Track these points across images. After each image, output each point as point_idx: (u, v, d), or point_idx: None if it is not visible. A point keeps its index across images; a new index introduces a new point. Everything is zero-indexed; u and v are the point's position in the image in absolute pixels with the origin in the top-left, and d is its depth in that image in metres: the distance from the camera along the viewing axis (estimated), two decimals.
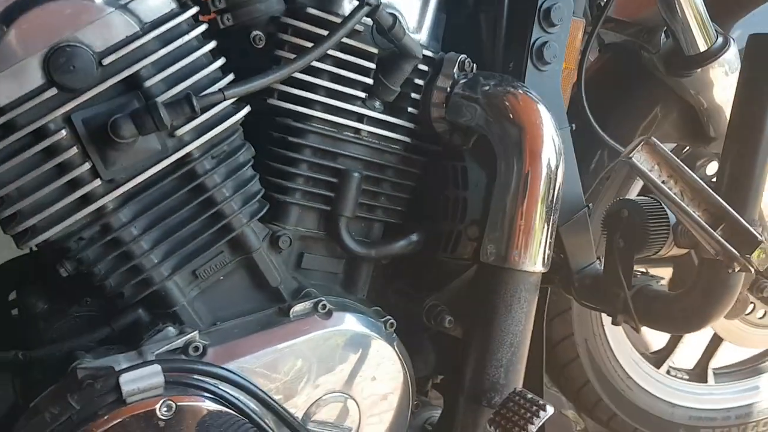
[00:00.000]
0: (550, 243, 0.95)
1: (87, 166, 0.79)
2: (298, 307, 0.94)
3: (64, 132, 0.78)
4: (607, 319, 1.47)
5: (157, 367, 0.78)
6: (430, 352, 1.13)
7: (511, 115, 0.94)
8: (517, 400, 0.85)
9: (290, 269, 1.00)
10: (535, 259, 0.94)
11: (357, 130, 0.98)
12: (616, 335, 1.53)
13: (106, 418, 0.76)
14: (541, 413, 0.82)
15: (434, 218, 1.08)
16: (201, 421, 0.76)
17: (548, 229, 0.95)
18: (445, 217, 1.07)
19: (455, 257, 1.06)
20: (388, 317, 1.01)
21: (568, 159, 1.00)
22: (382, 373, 0.98)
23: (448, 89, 0.98)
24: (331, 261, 1.04)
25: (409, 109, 1.01)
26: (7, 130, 0.77)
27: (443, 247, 1.07)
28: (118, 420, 0.76)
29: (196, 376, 0.81)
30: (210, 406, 0.81)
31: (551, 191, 0.94)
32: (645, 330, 1.74)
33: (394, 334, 1.01)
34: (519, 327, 0.96)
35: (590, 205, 1.09)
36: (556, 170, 0.94)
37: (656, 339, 1.73)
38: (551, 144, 0.94)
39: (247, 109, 0.89)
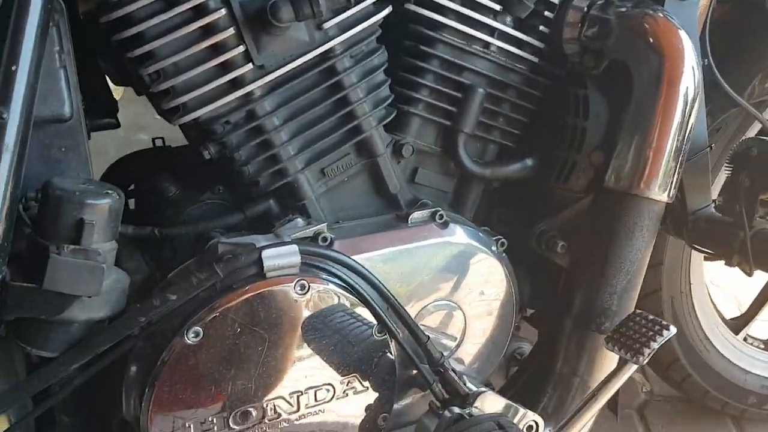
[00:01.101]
0: (677, 175, 0.95)
1: (241, 49, 0.82)
2: (417, 215, 0.96)
3: (223, 11, 0.80)
4: (695, 279, 1.46)
5: (294, 247, 0.81)
6: (526, 284, 1.13)
7: (651, 40, 0.92)
8: (637, 320, 0.85)
9: (404, 182, 1.01)
10: (662, 189, 0.93)
11: (486, 45, 0.98)
12: (700, 297, 1.51)
13: (246, 288, 0.79)
14: (665, 332, 0.82)
15: (550, 145, 1.08)
16: None
17: (678, 160, 0.94)
18: (562, 145, 1.07)
19: (567, 188, 1.06)
20: (499, 236, 1.02)
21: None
22: (490, 289, 1.00)
23: (585, 8, 0.97)
24: (443, 179, 1.05)
25: (541, 28, 1.00)
26: (170, 4, 0.79)
27: (556, 175, 1.07)
28: (257, 293, 0.79)
29: (327, 262, 0.84)
30: (338, 291, 0.84)
31: (685, 123, 0.93)
32: (720, 299, 1.72)
33: (504, 254, 1.02)
34: (638, 255, 0.96)
35: (713, 145, 1.07)
36: (693, 102, 0.93)
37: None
38: (691, 74, 0.92)
39: (388, 9, 0.90)
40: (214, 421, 0.80)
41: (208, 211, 0.94)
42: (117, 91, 1.07)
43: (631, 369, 0.84)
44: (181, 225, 0.91)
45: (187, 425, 0.78)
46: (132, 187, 1.07)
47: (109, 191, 0.76)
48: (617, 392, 1.18)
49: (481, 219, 1.09)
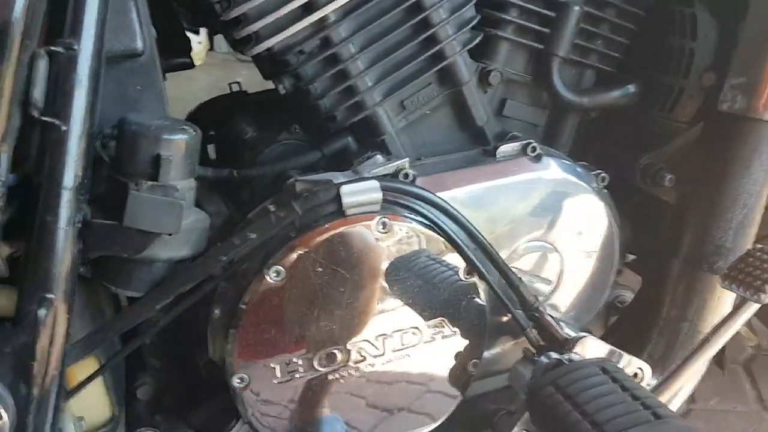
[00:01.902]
0: None
1: None
2: (505, 148, 0.89)
3: None
4: None
5: (375, 183, 0.76)
6: (629, 225, 1.04)
7: None
8: (758, 255, 0.76)
9: (491, 115, 0.94)
10: None
11: None
12: None
13: (326, 227, 0.75)
14: None
15: (653, 70, 0.97)
16: None
17: None
18: (667, 69, 0.96)
19: (673, 118, 0.96)
20: (600, 171, 0.93)
21: None
22: (590, 228, 0.92)
23: None
24: (534, 111, 0.97)
25: None
26: None
27: (661, 103, 0.97)
28: (337, 231, 0.75)
29: (410, 199, 0.78)
30: (423, 230, 0.79)
31: None
32: None
33: (605, 190, 0.93)
34: (755, 186, 0.85)
35: None
36: None
37: None
38: None
39: None
40: (299, 362, 0.77)
41: (285, 151, 0.91)
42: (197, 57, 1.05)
43: (752, 309, 0.75)
44: (259, 166, 0.89)
45: (272, 366, 0.76)
46: (212, 133, 1.06)
47: (186, 127, 0.73)
48: (724, 346, 1.08)
49: (577, 155, 1.01)
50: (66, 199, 0.67)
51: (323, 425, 0.81)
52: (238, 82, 1.13)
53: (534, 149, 0.88)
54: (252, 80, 1.13)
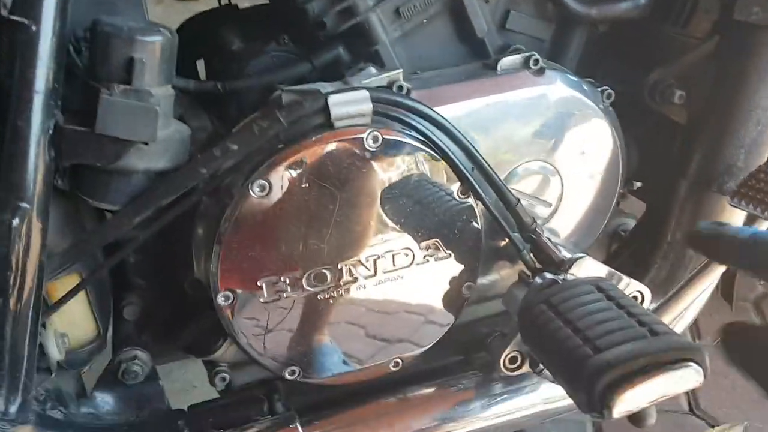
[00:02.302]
0: None
1: None
2: (507, 60, 0.83)
3: None
4: None
5: (365, 93, 0.72)
6: (635, 148, 1.00)
7: None
8: None
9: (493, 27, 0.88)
10: None
11: None
12: None
13: (312, 140, 0.71)
14: None
15: None
16: None
17: None
18: None
19: (686, 33, 0.90)
20: (605, 87, 0.88)
21: None
22: (593, 147, 0.87)
23: None
24: (539, 23, 0.92)
25: None
26: None
27: (674, 17, 0.90)
28: (324, 144, 0.71)
29: (403, 112, 0.74)
30: (417, 146, 0.75)
31: None
32: None
33: (611, 108, 0.89)
34: None
35: None
36: None
37: None
38: None
39: None
40: (287, 281, 0.75)
41: (274, 63, 0.86)
42: None
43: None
44: (245, 78, 0.84)
45: (258, 285, 0.74)
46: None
47: (161, 29, 0.69)
48: (734, 280, 1.05)
49: (583, 72, 0.95)
50: (37, 103, 0.63)
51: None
52: None
53: (536, 62, 0.83)
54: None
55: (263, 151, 0.72)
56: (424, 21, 0.84)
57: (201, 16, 1.04)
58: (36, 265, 0.67)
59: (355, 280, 0.78)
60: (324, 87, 0.74)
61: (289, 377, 0.79)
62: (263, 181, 0.71)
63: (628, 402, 0.58)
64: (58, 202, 0.73)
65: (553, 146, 0.85)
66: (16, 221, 0.64)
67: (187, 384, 1.73)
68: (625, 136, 0.90)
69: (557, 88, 0.84)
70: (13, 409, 0.69)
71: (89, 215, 0.80)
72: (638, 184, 1.07)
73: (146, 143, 0.67)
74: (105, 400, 0.82)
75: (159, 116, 0.66)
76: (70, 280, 0.75)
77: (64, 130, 0.65)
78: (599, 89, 0.87)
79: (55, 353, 0.75)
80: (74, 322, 0.79)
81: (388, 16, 0.81)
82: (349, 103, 0.71)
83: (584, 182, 0.89)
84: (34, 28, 0.62)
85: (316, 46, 0.83)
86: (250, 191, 0.71)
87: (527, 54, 0.83)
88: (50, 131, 0.65)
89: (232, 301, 0.74)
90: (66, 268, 0.72)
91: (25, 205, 0.65)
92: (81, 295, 0.77)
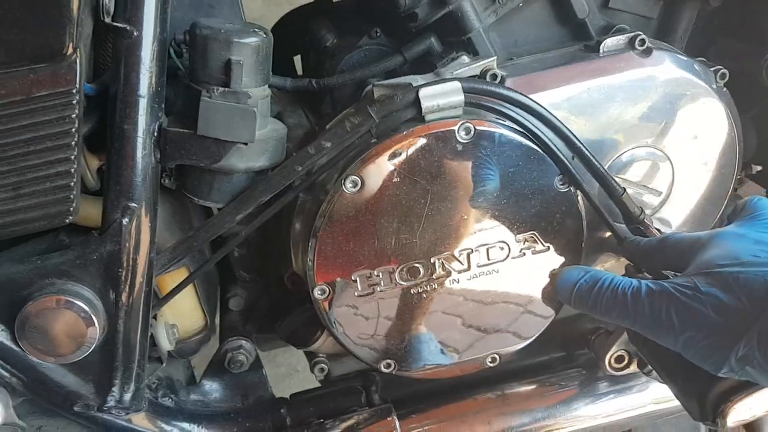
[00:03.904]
0: None
1: None
2: (611, 41, 0.79)
3: None
4: None
5: (457, 84, 0.70)
6: (753, 130, 0.91)
7: None
8: None
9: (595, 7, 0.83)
10: None
11: None
12: None
13: (404, 134, 0.71)
14: None
15: None
16: None
17: None
18: None
19: None
20: (719, 66, 0.81)
21: None
22: (707, 131, 0.81)
23: None
24: (645, 1, 0.86)
25: None
26: None
27: None
28: (416, 137, 0.70)
29: (498, 102, 0.72)
30: (511, 135, 0.72)
31: None
32: None
33: (725, 89, 0.81)
34: None
35: None
36: None
37: None
38: None
39: None
40: (380, 275, 0.75)
41: (366, 57, 0.86)
42: None
43: None
44: (339, 74, 0.84)
45: (352, 279, 0.74)
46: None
47: (257, 30, 0.70)
48: None
49: (694, 51, 0.88)
50: (142, 106, 0.66)
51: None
52: None
53: (643, 42, 0.78)
54: None
55: (356, 147, 0.72)
56: (520, 4, 0.80)
57: (297, 12, 1.05)
58: (146, 261, 0.70)
59: (449, 274, 0.77)
60: (415, 80, 0.73)
61: (384, 370, 0.79)
62: (356, 177, 0.71)
63: (742, 411, 0.53)
64: (165, 200, 0.77)
65: (663, 131, 0.80)
66: (126, 220, 0.68)
67: (291, 368, 1.80)
68: (741, 118, 0.83)
69: (666, 69, 0.78)
70: (127, 397, 0.74)
71: (195, 212, 0.84)
72: (758, 168, 0.98)
73: (245, 143, 0.69)
74: (213, 388, 0.86)
75: (257, 117, 0.68)
76: (179, 274, 0.79)
77: (168, 133, 0.68)
78: (712, 69, 0.81)
79: (166, 344, 0.80)
80: (183, 313, 0.83)
81: (481, 3, 0.79)
82: (439, 95, 0.70)
83: (697, 168, 0.82)
84: (136, 33, 0.65)
85: (407, 37, 0.82)
86: (343, 187, 0.71)
87: (632, 34, 0.78)
88: (155, 133, 0.68)
89: (328, 295, 0.75)
90: (175, 263, 0.75)
91: (133, 204, 0.68)
92: (189, 288, 0.81)
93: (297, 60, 1.05)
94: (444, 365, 0.80)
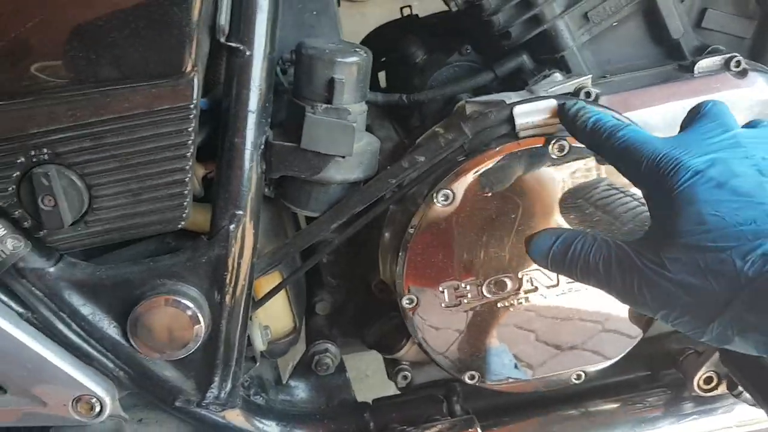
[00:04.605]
0: None
1: None
2: (705, 63, 0.78)
3: None
4: None
5: (552, 102, 0.71)
6: None
7: None
8: None
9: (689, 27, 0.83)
10: None
11: None
12: None
13: (496, 149, 0.72)
14: None
15: None
16: None
17: None
18: None
19: None
20: None
21: None
22: None
23: None
24: (739, 21, 0.85)
25: None
26: None
27: None
28: (509, 153, 0.72)
29: None
30: None
31: None
32: None
33: None
34: None
35: None
36: None
37: None
38: None
39: None
40: (467, 288, 0.77)
41: (456, 74, 0.88)
42: None
43: None
44: (429, 90, 0.87)
45: (440, 290, 0.76)
46: (383, 60, 1.05)
47: (357, 50, 0.73)
48: None
49: None
50: (251, 121, 0.71)
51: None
52: (409, 6, 1.11)
53: (738, 63, 0.77)
54: (425, 8, 1.11)
55: (448, 161, 0.74)
56: (615, 23, 0.81)
57: (383, 28, 1.09)
58: (249, 266, 0.75)
59: (536, 289, 0.78)
60: (509, 97, 0.75)
61: (468, 381, 0.81)
62: (447, 191, 0.73)
63: None
64: (264, 208, 0.81)
65: None
66: (232, 227, 0.72)
67: (360, 373, 1.82)
68: None
69: (761, 90, 0.77)
70: (224, 394, 0.78)
71: (288, 220, 0.88)
72: None
73: (343, 157, 0.72)
74: (299, 389, 0.90)
75: (356, 132, 0.71)
76: (273, 278, 0.83)
77: (273, 146, 0.72)
78: None
79: (260, 344, 0.84)
80: (275, 315, 0.87)
81: (575, 21, 0.80)
82: (534, 113, 0.71)
83: None
84: (248, 52, 0.69)
85: (498, 54, 0.84)
86: (435, 200, 0.73)
87: (728, 55, 0.77)
88: (261, 146, 0.72)
89: (416, 305, 0.77)
90: (272, 268, 0.79)
91: (240, 212, 0.73)
92: (281, 292, 0.85)
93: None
94: (528, 380, 0.81)
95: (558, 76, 0.79)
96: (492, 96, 0.76)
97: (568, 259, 0.61)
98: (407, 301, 0.77)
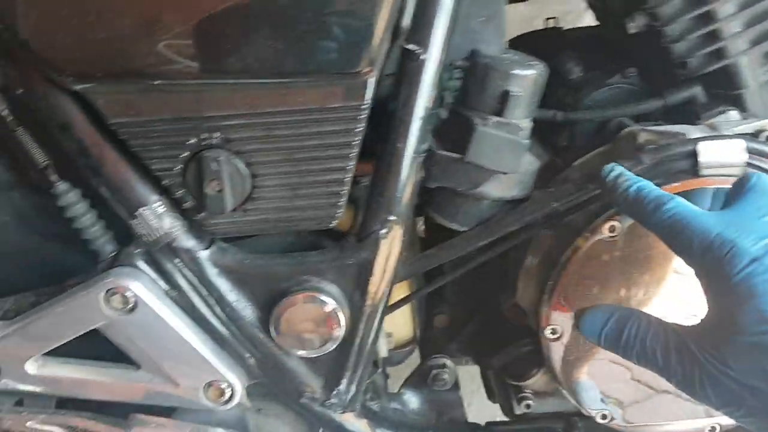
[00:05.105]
0: None
1: None
2: None
3: None
4: None
5: (741, 143, 0.67)
6: None
7: None
8: None
9: None
10: None
11: None
12: None
13: (678, 184, 0.68)
14: None
15: None
16: None
17: None
18: None
19: None
20: None
21: None
22: None
23: None
24: None
25: None
26: None
27: None
28: (690, 190, 0.68)
29: None
30: None
31: None
32: None
33: None
34: None
35: None
36: None
37: None
38: None
39: None
40: None
41: (617, 96, 0.84)
42: None
43: None
44: (587, 110, 0.83)
45: None
46: None
47: (533, 63, 0.71)
48: None
49: None
50: (416, 127, 0.69)
51: None
52: (554, 18, 1.07)
53: None
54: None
55: None
56: None
57: (526, 38, 1.05)
58: (392, 272, 0.73)
59: None
60: (688, 131, 0.71)
61: (600, 420, 0.77)
62: (615, 223, 0.69)
63: None
64: None
65: None
66: (383, 231, 0.71)
67: None
68: None
69: None
70: (348, 396, 0.77)
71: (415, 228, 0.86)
72: None
73: (505, 173, 0.70)
74: (411, 400, 0.88)
75: (524, 149, 0.68)
76: (401, 286, 0.81)
77: (436, 155, 0.70)
78: None
79: (383, 350, 0.82)
80: (398, 324, 0.85)
81: (759, 59, 0.75)
82: (720, 152, 0.67)
83: None
84: (423, 56, 0.67)
85: (668, 83, 0.80)
86: (601, 231, 0.70)
87: None
88: (422, 154, 0.70)
89: (559, 337, 0.74)
90: (409, 277, 0.77)
91: (392, 217, 0.71)
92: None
93: None
94: (662, 426, 0.77)
95: (735, 114, 0.74)
96: (669, 127, 0.72)
97: (623, 342, 0.61)
98: (550, 332, 0.74)
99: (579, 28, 1.03)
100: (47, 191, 0.76)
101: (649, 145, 0.70)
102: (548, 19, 1.06)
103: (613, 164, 0.66)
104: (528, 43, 1.02)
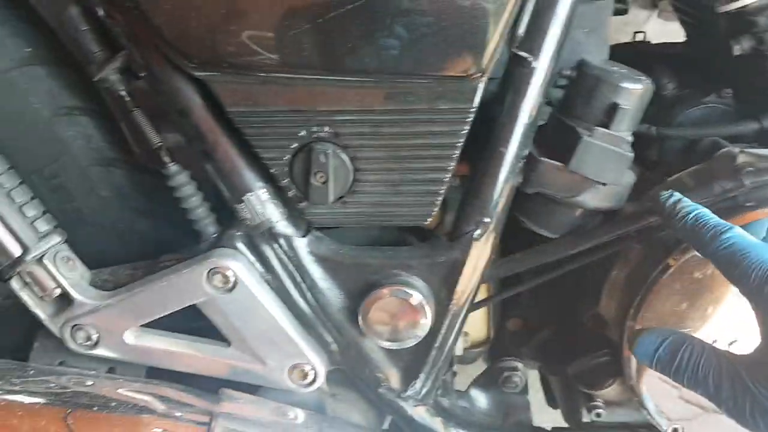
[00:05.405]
0: None
1: None
2: None
3: None
4: None
5: None
6: None
7: None
8: None
9: None
10: None
11: None
12: None
13: None
14: None
15: None
16: None
17: None
18: None
19: None
20: None
21: None
22: None
23: None
24: None
25: None
26: None
27: None
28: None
29: None
30: None
31: None
32: None
33: None
34: None
35: None
36: None
37: None
38: None
39: None
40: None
41: (710, 116, 0.84)
42: None
43: None
44: (681, 127, 0.83)
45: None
46: None
47: (641, 77, 0.71)
48: None
49: None
50: (520, 132, 0.70)
51: None
52: (643, 32, 1.07)
53: None
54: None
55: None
56: None
57: (613, 50, 1.05)
58: (480, 274, 0.74)
59: None
60: None
61: None
62: None
63: None
64: None
65: None
66: (477, 233, 0.72)
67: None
68: None
69: None
70: (424, 390, 0.79)
71: None
72: None
73: (604, 184, 0.70)
74: (479, 399, 0.89)
75: (628, 162, 0.69)
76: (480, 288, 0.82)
77: (537, 161, 0.71)
78: None
79: (459, 348, 0.84)
80: (475, 324, 0.87)
81: None
82: None
83: None
84: (534, 64, 0.68)
85: (765, 107, 0.79)
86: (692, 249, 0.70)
87: None
88: (522, 159, 0.71)
89: None
90: (493, 279, 0.79)
91: (487, 220, 0.72)
92: None
93: None
94: None
95: None
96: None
97: (674, 366, 0.61)
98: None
99: (667, 43, 1.02)
100: (147, 171, 0.79)
101: (748, 167, 0.70)
102: (637, 32, 1.06)
103: (671, 190, 0.67)
104: (616, 56, 1.02)
